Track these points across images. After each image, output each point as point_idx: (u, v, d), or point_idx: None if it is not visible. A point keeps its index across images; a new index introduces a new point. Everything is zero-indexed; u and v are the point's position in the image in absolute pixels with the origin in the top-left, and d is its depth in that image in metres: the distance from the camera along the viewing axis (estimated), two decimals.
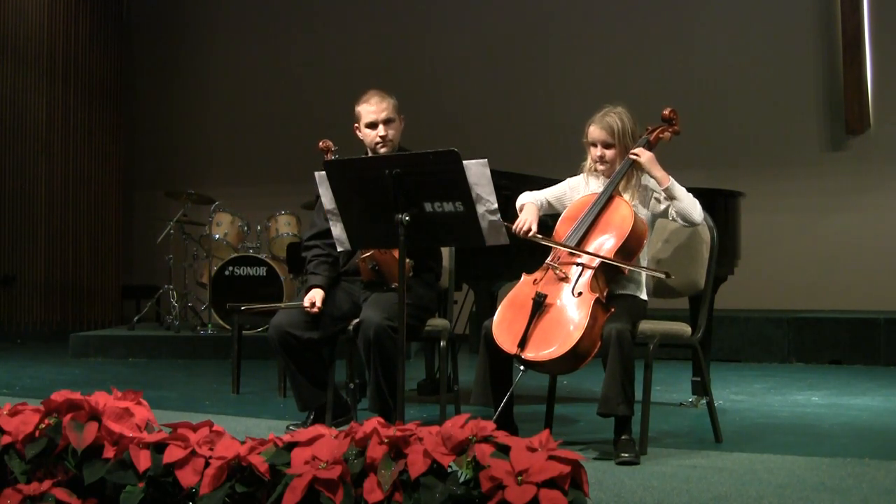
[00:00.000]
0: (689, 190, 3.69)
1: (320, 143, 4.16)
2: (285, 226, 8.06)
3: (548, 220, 3.83)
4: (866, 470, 3.21)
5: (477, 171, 3.20)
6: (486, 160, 3.21)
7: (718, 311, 4.91)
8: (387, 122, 3.99)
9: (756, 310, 7.75)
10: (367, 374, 3.84)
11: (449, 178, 3.19)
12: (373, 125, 3.99)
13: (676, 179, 3.65)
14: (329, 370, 4.01)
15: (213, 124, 10.32)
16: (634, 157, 3.62)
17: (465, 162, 3.19)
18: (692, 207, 3.59)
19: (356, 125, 4.07)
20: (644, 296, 3.70)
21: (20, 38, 9.16)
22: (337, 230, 3.55)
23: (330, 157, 4.08)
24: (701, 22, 8.86)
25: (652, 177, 3.62)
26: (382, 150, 4.00)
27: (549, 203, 3.81)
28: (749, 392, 5.42)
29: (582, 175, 3.83)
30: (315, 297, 3.93)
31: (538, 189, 3.89)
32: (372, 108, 3.99)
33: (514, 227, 3.57)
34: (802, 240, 8.49)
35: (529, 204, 3.74)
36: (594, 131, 3.70)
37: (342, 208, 3.46)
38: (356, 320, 3.85)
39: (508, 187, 4.22)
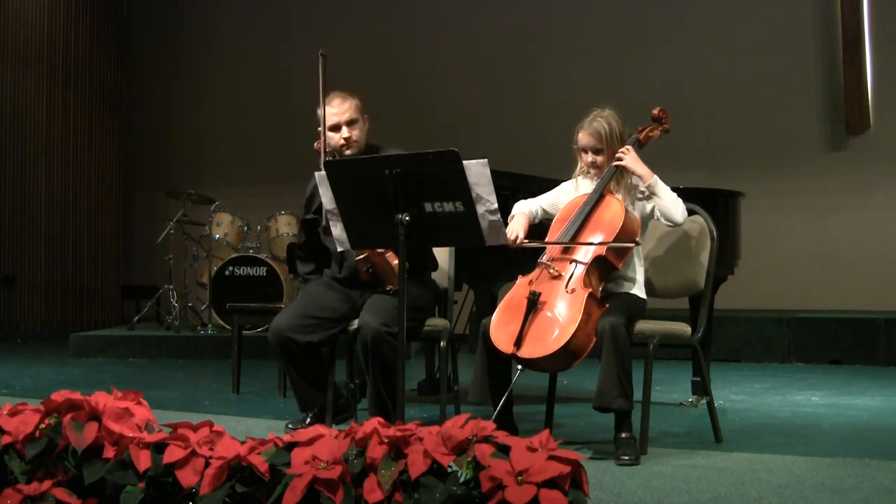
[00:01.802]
0: (688, 190, 3.69)
1: (315, 144, 4.05)
2: (285, 226, 8.06)
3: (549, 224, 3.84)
4: (866, 470, 3.21)
5: (477, 171, 3.20)
6: (486, 160, 3.21)
7: (718, 311, 4.91)
8: (350, 123, 3.95)
9: (756, 310, 7.75)
10: (366, 376, 3.85)
11: (449, 178, 3.19)
12: (336, 128, 3.94)
13: (677, 179, 3.65)
14: (329, 371, 4.01)
15: (213, 124, 10.32)
16: (618, 161, 3.64)
17: (465, 162, 3.19)
18: (674, 207, 3.60)
19: (319, 129, 3.93)
20: (642, 294, 3.71)
21: (20, 38, 9.16)
22: (337, 230, 3.55)
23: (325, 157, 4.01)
24: (700, 22, 8.86)
25: (635, 174, 3.63)
26: (348, 153, 3.97)
27: (543, 210, 3.84)
28: (749, 392, 5.42)
29: (573, 180, 3.86)
30: None
31: (538, 189, 3.90)
32: (334, 111, 3.93)
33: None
34: (802, 240, 8.49)
35: (518, 214, 3.78)
36: (583, 138, 3.74)
37: (342, 208, 3.46)
38: (355, 321, 3.86)
39: (508, 187, 4.23)
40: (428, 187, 3.22)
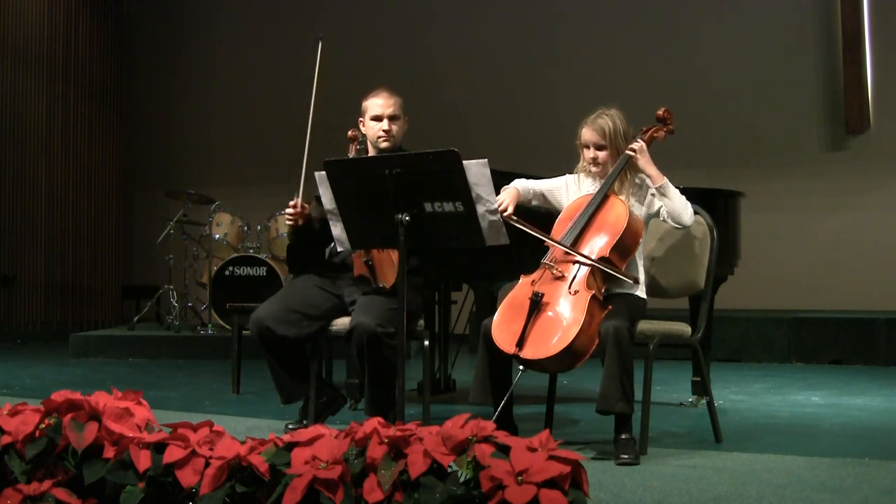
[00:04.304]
0: (688, 190, 3.69)
1: (349, 132, 4.19)
2: (285, 226, 8.04)
3: (552, 210, 3.83)
4: (866, 470, 3.21)
5: (477, 171, 3.21)
6: (486, 160, 3.21)
7: (718, 311, 4.91)
8: (392, 118, 4.03)
9: (756, 310, 7.75)
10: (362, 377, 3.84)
11: (449, 177, 3.20)
12: (378, 118, 4.03)
13: (677, 179, 3.65)
14: (311, 364, 3.96)
15: (213, 124, 10.32)
16: (631, 153, 3.62)
17: (465, 162, 3.19)
18: (683, 209, 3.60)
19: (361, 119, 4.10)
20: (643, 294, 3.70)
21: (20, 38, 9.15)
22: (337, 230, 3.55)
23: (356, 146, 4.14)
24: (701, 22, 8.85)
25: (646, 175, 3.63)
26: (384, 145, 4.02)
27: (542, 195, 3.82)
28: (749, 392, 5.42)
29: (575, 175, 3.84)
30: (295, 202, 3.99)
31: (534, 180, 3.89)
32: (380, 102, 4.04)
33: None
34: (803, 240, 8.49)
35: (511, 187, 3.74)
36: (586, 133, 3.72)
37: (342, 208, 3.46)
38: (339, 320, 3.87)
39: None
40: (428, 187, 3.22)
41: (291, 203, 3.98)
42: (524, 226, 3.58)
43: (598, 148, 3.70)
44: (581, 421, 4.37)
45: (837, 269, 8.30)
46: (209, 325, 7.78)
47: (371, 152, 4.10)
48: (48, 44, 9.39)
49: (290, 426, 4.01)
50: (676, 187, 3.66)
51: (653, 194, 3.65)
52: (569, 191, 3.81)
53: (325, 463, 2.43)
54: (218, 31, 10.37)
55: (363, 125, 4.10)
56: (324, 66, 4.03)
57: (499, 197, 3.60)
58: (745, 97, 8.63)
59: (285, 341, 3.87)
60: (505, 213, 3.56)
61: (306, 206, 4.00)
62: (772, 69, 8.59)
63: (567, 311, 3.40)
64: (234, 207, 8.25)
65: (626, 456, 3.33)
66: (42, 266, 9.34)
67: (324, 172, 3.45)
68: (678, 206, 3.59)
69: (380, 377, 3.71)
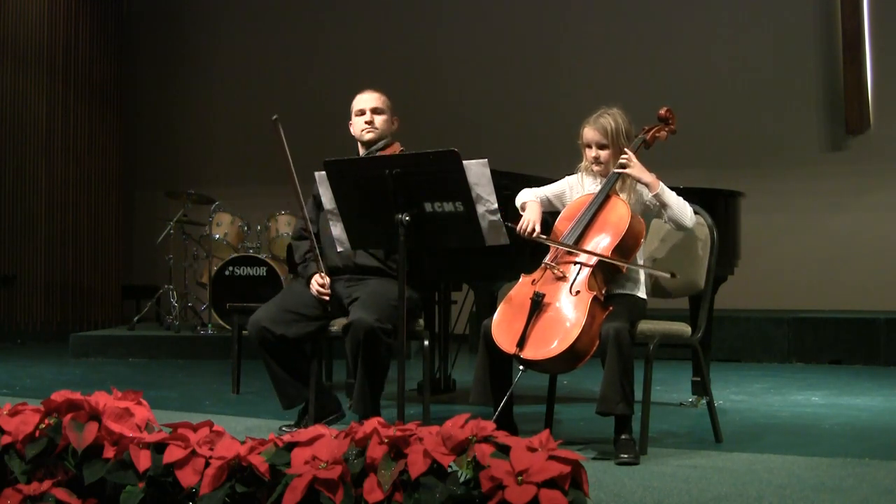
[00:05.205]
0: (688, 189, 3.68)
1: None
2: (285, 226, 8.06)
3: (548, 217, 3.83)
4: (866, 470, 3.21)
5: (477, 171, 3.21)
6: (487, 160, 3.21)
7: (718, 311, 4.91)
8: (375, 110, 4.05)
9: (756, 310, 7.75)
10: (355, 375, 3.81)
11: (449, 177, 3.20)
12: (361, 112, 4.06)
13: (677, 179, 3.64)
14: (311, 365, 3.96)
15: (213, 124, 10.32)
16: (621, 169, 3.62)
17: (465, 162, 3.20)
18: (682, 213, 3.59)
19: (350, 123, 4.14)
20: (643, 294, 3.70)
21: (20, 38, 9.15)
22: (337, 230, 3.55)
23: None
24: (701, 22, 8.86)
25: (642, 184, 3.62)
26: (367, 137, 4.03)
27: (549, 201, 3.82)
28: (749, 392, 5.42)
29: (578, 175, 3.84)
30: (323, 280, 3.94)
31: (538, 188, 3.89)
32: (364, 98, 4.09)
33: (517, 227, 3.58)
34: (802, 240, 8.49)
35: (532, 203, 3.73)
36: (588, 132, 3.72)
37: (342, 208, 3.46)
38: (338, 320, 3.86)
39: (508, 187, 4.22)
40: (428, 187, 3.22)
41: (320, 283, 3.95)
42: (551, 242, 3.58)
43: (600, 147, 3.70)
44: (581, 421, 4.37)
45: (837, 269, 8.30)
46: (209, 325, 7.78)
47: (361, 151, 4.09)
48: (48, 44, 9.39)
49: (283, 427, 3.98)
50: (676, 187, 3.66)
51: (653, 203, 3.64)
52: (573, 192, 3.81)
53: (325, 463, 2.43)
54: (219, 31, 10.37)
55: (352, 126, 4.12)
56: (288, 143, 3.99)
57: (525, 216, 3.62)
58: (745, 97, 8.64)
59: (284, 341, 3.86)
60: (535, 234, 3.58)
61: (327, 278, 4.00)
62: (772, 69, 8.59)
63: (569, 312, 3.40)
64: (234, 207, 8.25)
65: (626, 456, 3.33)
66: (42, 266, 9.34)
67: (323, 172, 3.45)
68: (677, 212, 3.58)
69: (371, 375, 3.70)
